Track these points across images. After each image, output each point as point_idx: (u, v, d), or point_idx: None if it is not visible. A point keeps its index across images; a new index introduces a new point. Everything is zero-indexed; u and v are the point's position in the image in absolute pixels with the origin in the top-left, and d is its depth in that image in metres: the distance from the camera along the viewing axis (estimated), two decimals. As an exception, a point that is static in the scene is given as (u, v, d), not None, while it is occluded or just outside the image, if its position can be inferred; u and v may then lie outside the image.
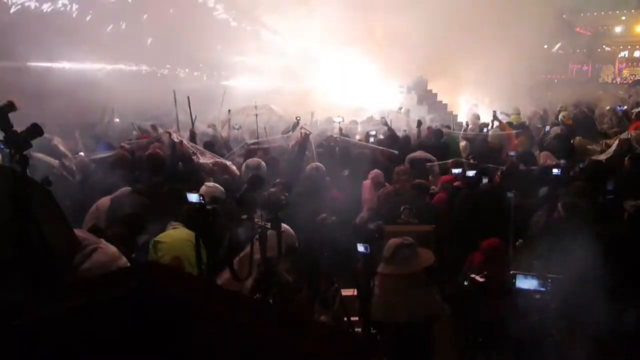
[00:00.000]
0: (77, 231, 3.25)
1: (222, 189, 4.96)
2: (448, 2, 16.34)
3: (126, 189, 5.40)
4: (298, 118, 10.13)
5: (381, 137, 9.50)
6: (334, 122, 9.90)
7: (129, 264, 3.16)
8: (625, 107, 12.04)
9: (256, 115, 9.10)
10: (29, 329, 1.23)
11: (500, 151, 9.39)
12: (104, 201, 5.35)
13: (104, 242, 3.14)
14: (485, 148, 9.61)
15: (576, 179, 5.99)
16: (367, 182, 6.73)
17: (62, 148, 7.63)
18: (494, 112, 11.02)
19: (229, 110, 10.98)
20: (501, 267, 4.33)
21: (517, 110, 13.76)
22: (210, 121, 11.25)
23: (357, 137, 9.83)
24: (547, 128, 10.05)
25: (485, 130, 10.74)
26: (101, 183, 5.96)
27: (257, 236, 3.69)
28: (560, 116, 11.99)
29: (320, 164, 6.43)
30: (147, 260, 4.05)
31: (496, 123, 10.78)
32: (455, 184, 6.46)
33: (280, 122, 10.09)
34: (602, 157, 7.69)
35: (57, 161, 6.86)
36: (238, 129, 9.64)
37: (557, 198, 4.89)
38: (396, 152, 8.03)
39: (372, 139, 9.10)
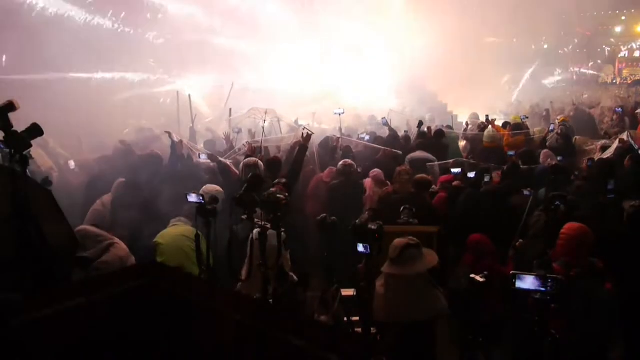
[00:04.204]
0: (90, 227, 3.27)
1: (221, 189, 4.97)
2: (449, 3, 16.36)
3: (121, 180, 5.45)
4: (296, 120, 10.11)
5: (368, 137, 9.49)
6: (335, 113, 9.85)
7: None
8: (622, 108, 12.00)
9: (264, 120, 9.08)
10: (29, 329, 1.23)
11: (500, 151, 9.40)
12: (108, 198, 5.38)
13: (116, 239, 3.17)
14: (485, 148, 9.62)
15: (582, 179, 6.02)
16: (367, 180, 6.74)
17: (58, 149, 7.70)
18: (487, 116, 11.04)
19: (230, 110, 11.04)
20: (494, 261, 4.35)
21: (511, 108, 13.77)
22: (211, 121, 11.28)
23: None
24: (552, 127, 10.04)
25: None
26: (104, 183, 5.98)
27: (257, 236, 3.69)
28: (559, 116, 12.01)
29: (351, 161, 6.66)
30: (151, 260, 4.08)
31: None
32: (454, 183, 6.47)
33: (280, 124, 10.08)
34: (602, 157, 7.69)
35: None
36: (238, 133, 9.63)
37: (554, 197, 4.89)
38: (400, 152, 8.03)
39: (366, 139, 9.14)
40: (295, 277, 3.91)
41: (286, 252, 3.83)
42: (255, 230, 3.74)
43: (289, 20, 16.07)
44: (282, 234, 3.45)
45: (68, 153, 8.40)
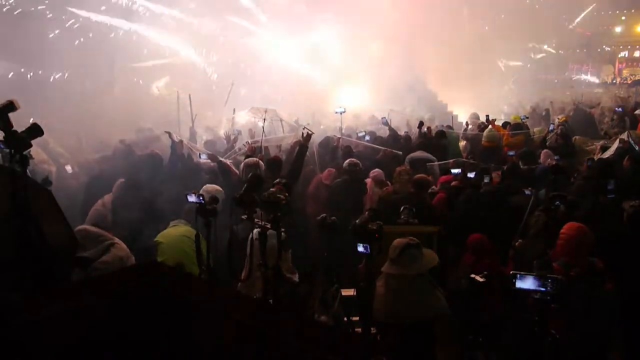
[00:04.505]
0: (91, 227, 3.27)
1: (221, 189, 4.97)
2: (448, 2, 16.37)
3: (121, 180, 5.45)
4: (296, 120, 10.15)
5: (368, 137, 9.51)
6: (336, 113, 9.84)
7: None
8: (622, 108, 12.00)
9: (264, 119, 9.08)
10: (29, 329, 1.23)
11: (499, 151, 9.40)
12: (109, 198, 5.39)
13: (116, 239, 3.17)
14: (485, 148, 9.62)
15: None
16: (368, 180, 6.74)
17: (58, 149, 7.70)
18: (487, 116, 11.07)
19: (234, 110, 11.09)
20: (493, 261, 4.35)
21: (513, 108, 13.82)
22: (211, 120, 11.30)
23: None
24: (552, 127, 10.06)
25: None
26: (104, 183, 5.98)
27: (257, 236, 3.69)
28: (558, 116, 12.02)
29: (356, 160, 6.74)
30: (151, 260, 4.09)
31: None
32: (453, 183, 6.46)
33: (282, 123, 10.11)
34: (602, 156, 7.69)
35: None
36: (238, 134, 9.67)
37: (554, 197, 4.89)
38: (400, 152, 8.03)
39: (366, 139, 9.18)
40: (295, 278, 3.91)
41: (287, 252, 3.82)
42: (255, 230, 3.74)
43: (287, 18, 16.07)
44: (283, 234, 3.44)
45: (68, 153, 8.41)
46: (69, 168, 7.47)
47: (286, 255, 3.84)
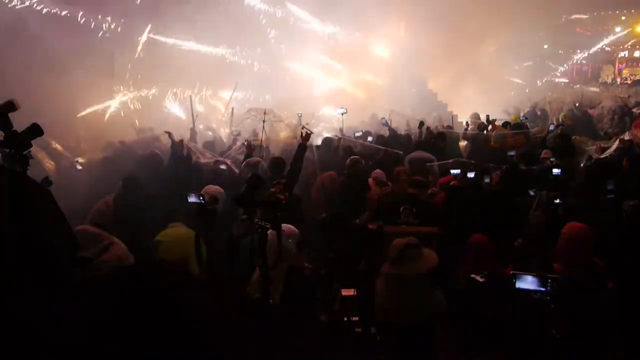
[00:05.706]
0: (90, 227, 3.27)
1: (222, 190, 4.97)
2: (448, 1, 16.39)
3: (122, 180, 5.47)
4: (300, 114, 10.15)
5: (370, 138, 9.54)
6: (337, 113, 9.86)
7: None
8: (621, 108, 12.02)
9: (264, 120, 9.09)
10: (29, 328, 1.23)
11: (502, 151, 9.40)
12: (111, 198, 5.40)
13: (115, 238, 3.16)
14: (486, 148, 9.62)
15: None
16: (370, 180, 6.74)
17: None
18: (487, 116, 11.06)
19: (232, 108, 11.11)
20: (494, 261, 4.35)
21: (517, 110, 13.81)
22: (212, 120, 11.31)
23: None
24: (551, 127, 10.06)
25: (485, 132, 10.70)
26: (105, 183, 5.99)
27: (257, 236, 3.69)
28: (560, 116, 12.01)
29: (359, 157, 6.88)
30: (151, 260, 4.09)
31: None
32: (452, 183, 6.45)
33: (280, 124, 10.12)
34: (602, 156, 7.68)
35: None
36: (237, 135, 9.68)
37: (554, 197, 4.89)
38: (400, 152, 8.03)
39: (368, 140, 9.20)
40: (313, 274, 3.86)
41: (301, 254, 3.76)
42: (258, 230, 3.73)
43: (288, 17, 16.08)
44: (299, 234, 3.43)
45: (68, 153, 8.43)
46: (78, 166, 7.50)
47: (300, 257, 3.79)
